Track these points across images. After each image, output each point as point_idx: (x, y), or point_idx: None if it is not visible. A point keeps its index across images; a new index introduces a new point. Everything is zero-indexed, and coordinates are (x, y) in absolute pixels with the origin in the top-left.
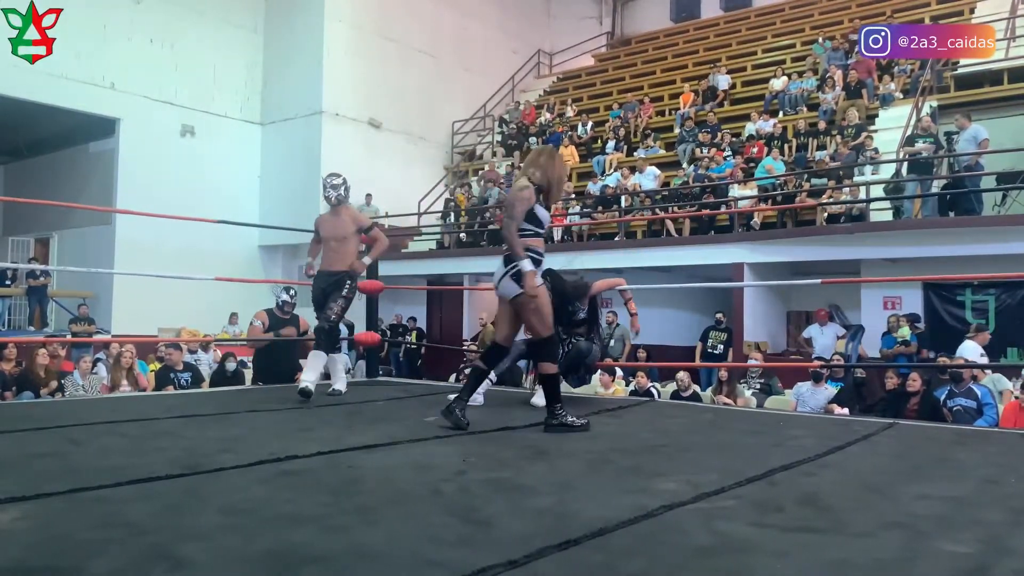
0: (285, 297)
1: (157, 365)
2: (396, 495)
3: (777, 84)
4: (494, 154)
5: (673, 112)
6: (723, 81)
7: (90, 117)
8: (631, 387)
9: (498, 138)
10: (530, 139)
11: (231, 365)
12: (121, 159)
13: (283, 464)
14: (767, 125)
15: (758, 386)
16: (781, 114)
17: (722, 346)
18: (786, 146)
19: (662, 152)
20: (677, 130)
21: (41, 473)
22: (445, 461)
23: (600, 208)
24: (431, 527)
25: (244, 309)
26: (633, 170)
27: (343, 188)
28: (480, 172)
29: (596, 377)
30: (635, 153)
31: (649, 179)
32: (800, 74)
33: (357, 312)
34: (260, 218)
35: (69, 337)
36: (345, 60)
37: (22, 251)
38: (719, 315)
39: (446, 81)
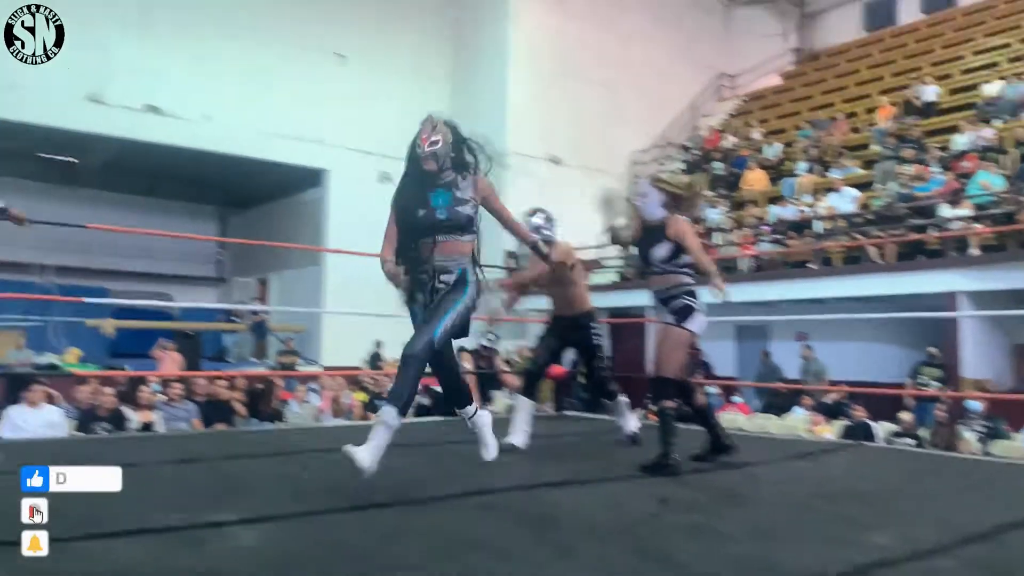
0: (484, 342)
1: (363, 396)
2: (591, 534)
3: (991, 89)
4: None
5: (870, 128)
6: (927, 91)
7: (302, 169)
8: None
9: (680, 165)
10: (714, 164)
11: (425, 400)
12: (329, 206)
13: (483, 497)
14: (981, 136)
15: (982, 429)
16: (998, 123)
17: (936, 383)
18: (1005, 158)
19: (860, 171)
20: (876, 147)
21: (275, 497)
22: (638, 502)
23: (791, 234)
24: (628, 569)
25: None
26: (829, 191)
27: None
28: None
29: (802, 415)
30: (829, 173)
31: (847, 201)
32: (1018, 76)
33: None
34: None
35: (279, 369)
36: (526, 100)
37: (246, 291)
38: (932, 350)
39: (624, 112)
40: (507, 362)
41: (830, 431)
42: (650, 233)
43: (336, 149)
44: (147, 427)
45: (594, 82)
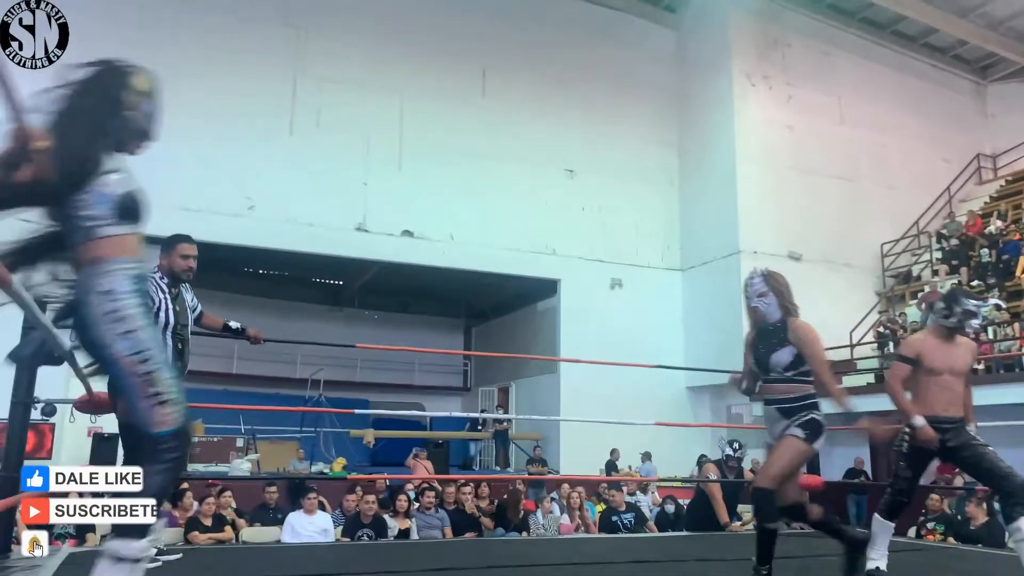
0: (729, 452)
1: (602, 506)
2: None
3: None
4: (935, 273)
5: None
6: None
7: (537, 281)
8: None
9: (937, 255)
10: (981, 251)
11: (670, 507)
12: (562, 315)
13: None
14: None
15: None
16: None
17: None
18: None
19: None
20: None
21: None
22: None
23: None
24: None
25: (674, 449)
26: None
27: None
28: (919, 295)
29: None
30: None
31: None
32: None
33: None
34: (685, 360)
35: (527, 476)
36: (758, 198)
37: (489, 399)
38: None
39: (868, 203)
40: (754, 472)
41: None
42: (768, 336)
43: (567, 259)
44: (404, 534)
45: (834, 174)
